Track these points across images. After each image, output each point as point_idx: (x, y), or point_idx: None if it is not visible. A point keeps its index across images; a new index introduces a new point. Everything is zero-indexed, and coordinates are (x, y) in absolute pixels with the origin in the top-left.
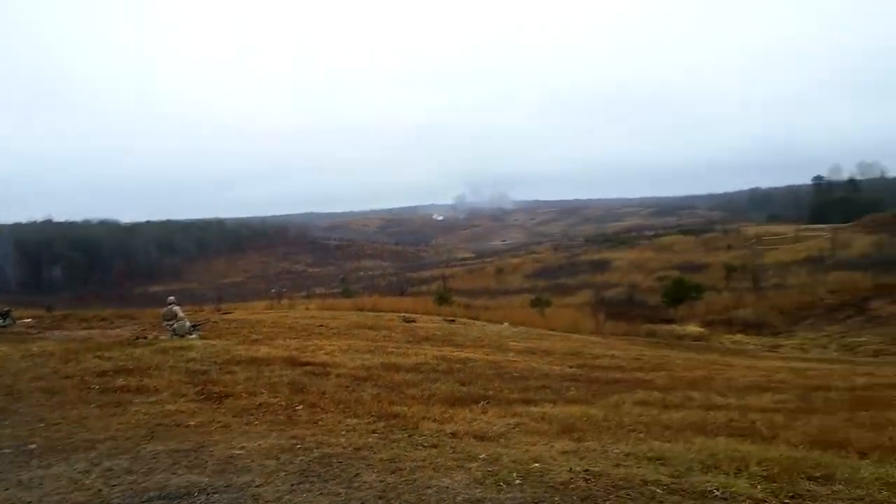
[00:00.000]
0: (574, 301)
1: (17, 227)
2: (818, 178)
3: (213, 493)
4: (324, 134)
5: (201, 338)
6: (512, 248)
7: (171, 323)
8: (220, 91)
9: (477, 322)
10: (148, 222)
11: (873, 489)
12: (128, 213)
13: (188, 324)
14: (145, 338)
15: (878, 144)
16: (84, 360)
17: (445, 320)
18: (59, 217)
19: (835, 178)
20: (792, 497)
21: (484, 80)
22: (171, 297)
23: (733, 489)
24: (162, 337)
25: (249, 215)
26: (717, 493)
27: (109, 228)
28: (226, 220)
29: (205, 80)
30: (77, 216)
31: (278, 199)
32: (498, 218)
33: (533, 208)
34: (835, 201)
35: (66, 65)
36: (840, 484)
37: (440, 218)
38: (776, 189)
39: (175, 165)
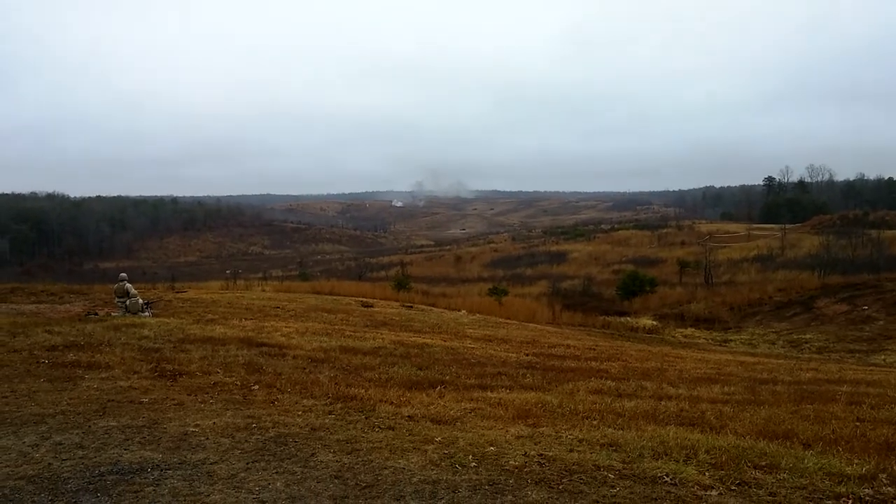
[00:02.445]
0: (531, 291)
1: None
2: (769, 179)
3: (167, 469)
4: (281, 118)
5: (154, 316)
6: (471, 236)
7: (123, 300)
8: (174, 70)
9: (435, 309)
10: (99, 197)
11: (816, 478)
12: (77, 188)
13: (141, 301)
14: (96, 314)
15: (827, 149)
16: (33, 334)
17: (404, 306)
18: (4, 189)
19: (785, 179)
20: (738, 484)
21: (443, 75)
22: (123, 274)
23: (682, 475)
24: (114, 314)
25: (204, 194)
26: (666, 479)
27: (58, 202)
28: (180, 198)
29: (161, 60)
30: (24, 188)
31: (233, 180)
32: (457, 206)
33: (491, 198)
34: (784, 202)
35: (15, 34)
36: (785, 473)
37: (399, 204)
38: (729, 188)
39: (127, 141)
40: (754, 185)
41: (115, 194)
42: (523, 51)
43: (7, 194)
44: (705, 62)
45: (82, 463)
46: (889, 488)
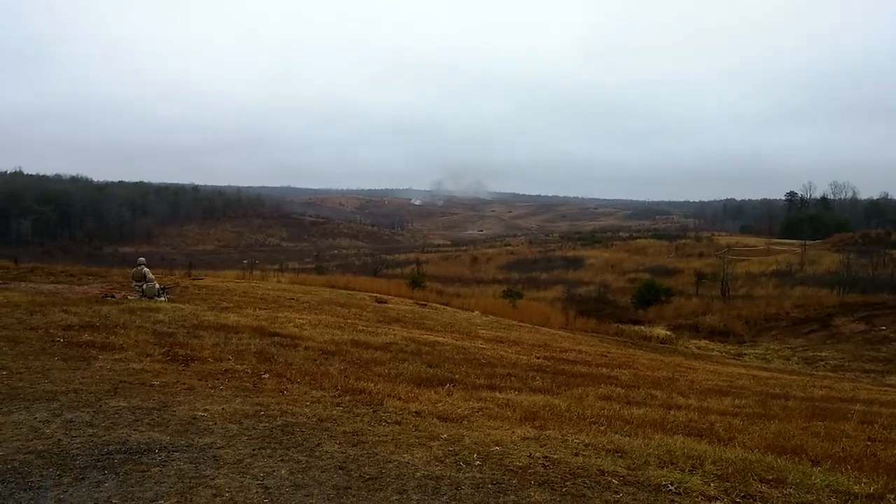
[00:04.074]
0: (546, 295)
1: None
2: (791, 194)
3: (174, 451)
4: (304, 113)
5: (170, 301)
6: (488, 238)
7: (140, 284)
8: (202, 63)
9: (448, 308)
10: (121, 182)
11: (823, 495)
12: (101, 172)
13: (157, 286)
14: (113, 296)
15: (852, 166)
16: (50, 313)
17: (417, 304)
18: (29, 170)
19: (807, 195)
20: (744, 497)
21: (467, 75)
22: (142, 259)
23: (687, 485)
24: (130, 297)
25: (225, 184)
26: (671, 487)
27: (81, 185)
28: (201, 186)
29: (191, 53)
30: (48, 170)
31: (255, 171)
32: (475, 207)
33: (510, 201)
34: (806, 218)
35: (46, 20)
36: (791, 488)
37: (418, 202)
38: (750, 201)
39: (152, 129)
40: (776, 200)
41: (138, 180)
42: (548, 53)
43: (32, 175)
44: (730, 72)
45: (91, 441)
46: None
